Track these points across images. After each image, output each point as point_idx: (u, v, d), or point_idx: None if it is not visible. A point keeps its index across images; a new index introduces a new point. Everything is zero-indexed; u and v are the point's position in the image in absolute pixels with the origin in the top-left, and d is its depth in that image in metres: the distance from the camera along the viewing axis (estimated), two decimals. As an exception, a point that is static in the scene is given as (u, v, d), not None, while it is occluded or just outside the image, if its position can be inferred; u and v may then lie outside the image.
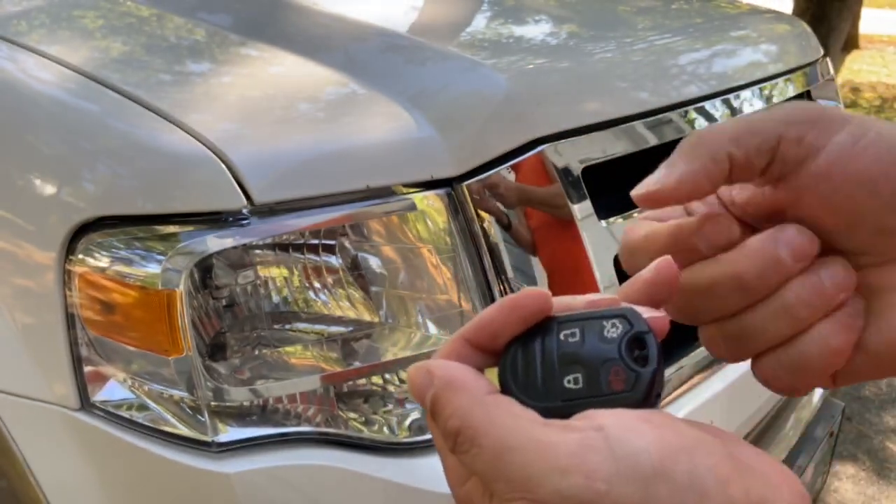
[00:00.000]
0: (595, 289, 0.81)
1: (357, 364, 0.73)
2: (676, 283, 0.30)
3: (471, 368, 0.28)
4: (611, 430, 0.24)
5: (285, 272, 0.71)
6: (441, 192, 0.74)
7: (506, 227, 0.78)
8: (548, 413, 0.26)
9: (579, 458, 0.24)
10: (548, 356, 0.27)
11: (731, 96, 1.06)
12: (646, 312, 0.28)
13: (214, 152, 0.68)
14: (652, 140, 0.93)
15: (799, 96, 1.26)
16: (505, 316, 0.29)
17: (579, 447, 0.24)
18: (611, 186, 0.89)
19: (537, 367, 0.27)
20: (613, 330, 0.26)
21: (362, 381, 0.74)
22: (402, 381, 0.76)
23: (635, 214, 0.88)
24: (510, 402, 0.26)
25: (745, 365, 0.33)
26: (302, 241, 0.71)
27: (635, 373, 0.25)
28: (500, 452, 0.25)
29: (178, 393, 0.69)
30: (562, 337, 0.27)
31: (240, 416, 0.70)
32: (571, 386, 0.26)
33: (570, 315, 0.28)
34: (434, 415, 0.27)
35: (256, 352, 0.71)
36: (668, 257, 0.30)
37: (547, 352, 0.27)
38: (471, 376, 0.27)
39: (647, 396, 0.25)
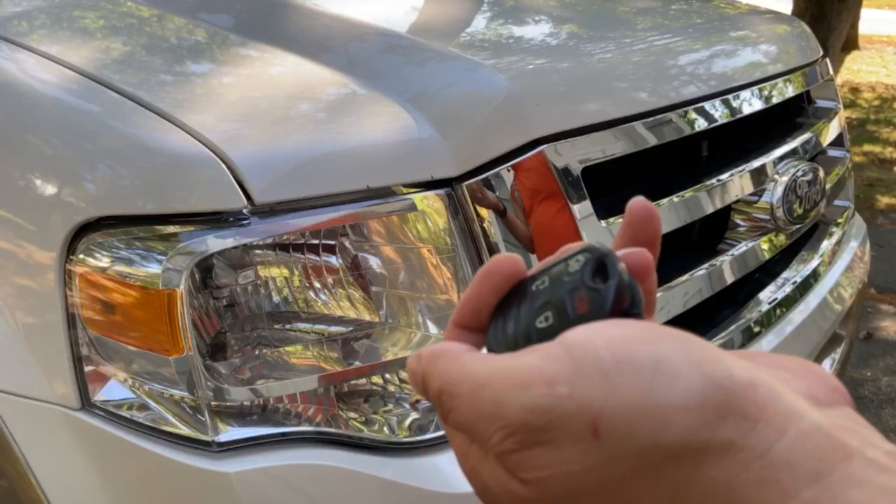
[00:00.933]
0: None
1: (357, 364, 0.73)
2: (652, 220, 0.30)
3: (458, 343, 0.29)
4: (571, 337, 0.24)
5: (286, 272, 0.71)
6: (441, 192, 0.74)
7: (506, 227, 0.78)
8: None
9: (538, 370, 0.24)
10: (523, 309, 0.28)
11: (730, 96, 1.06)
12: (621, 252, 0.28)
13: (215, 152, 0.68)
14: (651, 140, 0.93)
15: (798, 96, 1.26)
16: (479, 287, 0.29)
17: (539, 360, 0.24)
18: (611, 186, 0.89)
19: (514, 322, 0.28)
20: (576, 264, 0.27)
21: (362, 380, 0.74)
22: (402, 380, 0.76)
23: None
24: (481, 355, 0.27)
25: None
26: (302, 242, 0.71)
27: (596, 290, 0.26)
28: (473, 393, 0.25)
29: (178, 393, 0.69)
30: (533, 288, 0.28)
31: (240, 415, 0.70)
32: (543, 325, 0.26)
33: (540, 268, 0.29)
34: (426, 391, 0.28)
35: (257, 351, 0.71)
36: (641, 197, 0.30)
37: (522, 306, 0.28)
38: (452, 344, 0.28)
39: (614, 310, 0.25)
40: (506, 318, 0.28)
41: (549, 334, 0.26)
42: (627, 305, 0.26)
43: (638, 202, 0.30)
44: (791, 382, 0.25)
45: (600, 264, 0.26)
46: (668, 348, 0.23)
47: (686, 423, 0.22)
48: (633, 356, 0.23)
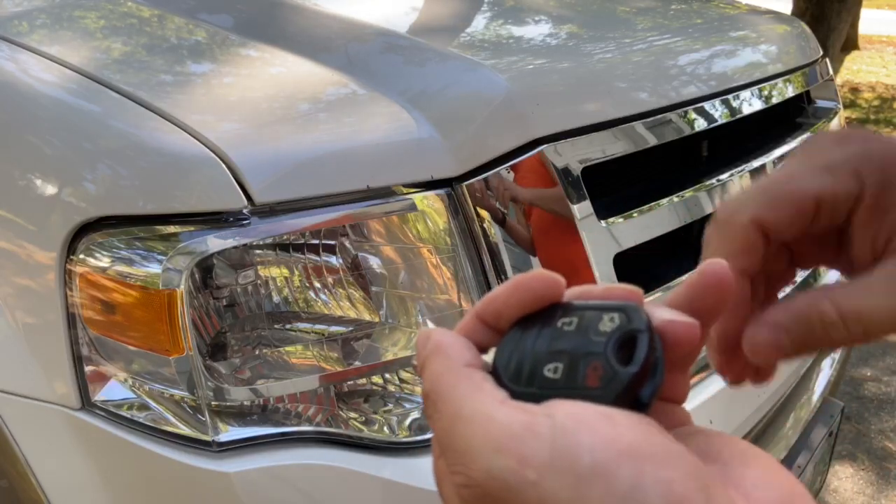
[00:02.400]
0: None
1: (357, 364, 0.73)
2: (728, 291, 0.27)
3: (466, 341, 0.27)
4: (560, 419, 0.22)
5: (286, 272, 0.71)
6: (441, 192, 0.74)
7: (506, 227, 0.78)
8: (519, 397, 0.24)
9: (518, 440, 0.22)
10: (540, 342, 0.26)
11: (730, 96, 1.06)
12: (668, 314, 0.25)
13: (215, 152, 0.68)
14: (651, 140, 0.93)
15: (798, 96, 1.26)
16: (508, 295, 0.27)
17: (522, 429, 0.22)
18: (611, 186, 0.89)
19: (528, 351, 0.26)
20: (610, 323, 0.25)
21: (362, 380, 0.74)
22: (402, 380, 0.76)
23: (635, 214, 0.89)
24: (484, 377, 0.25)
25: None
26: (302, 241, 0.71)
27: (613, 371, 0.24)
28: (453, 420, 0.24)
29: (178, 392, 0.69)
30: (559, 324, 0.26)
31: (240, 415, 0.70)
32: (550, 375, 0.25)
33: (577, 303, 0.27)
34: (421, 377, 0.27)
35: (257, 351, 0.71)
36: (721, 261, 0.27)
37: (541, 337, 0.26)
38: (459, 346, 0.27)
39: (620, 399, 0.23)
40: (521, 342, 0.26)
41: (550, 387, 0.24)
42: (639, 393, 0.24)
43: (714, 266, 0.27)
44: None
45: (631, 338, 0.24)
46: (651, 475, 0.21)
47: None
48: (611, 472, 0.21)
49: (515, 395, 0.25)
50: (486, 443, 0.23)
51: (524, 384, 0.25)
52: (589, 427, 0.22)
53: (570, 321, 0.26)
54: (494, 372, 0.26)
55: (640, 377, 0.24)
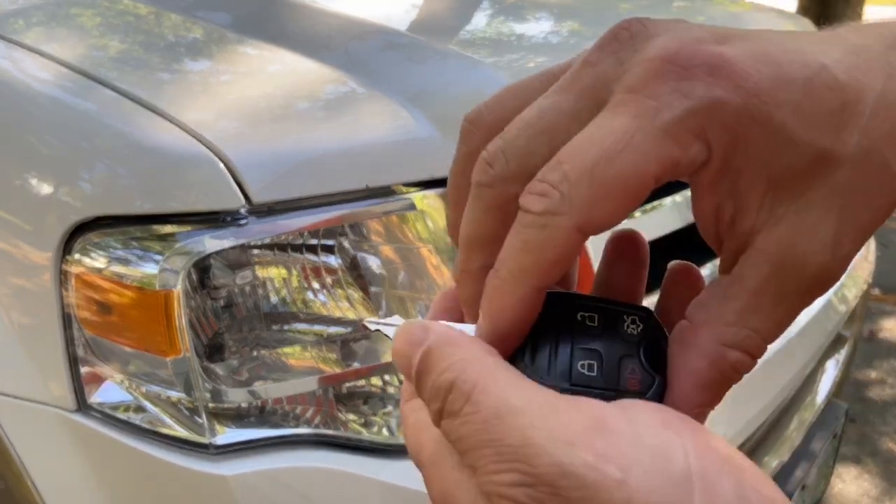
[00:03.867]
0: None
1: (356, 365, 0.72)
2: (642, 249, 0.28)
3: (477, 338, 0.24)
4: (639, 413, 0.21)
5: (284, 272, 0.71)
6: (441, 191, 0.73)
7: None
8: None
9: (593, 434, 0.20)
10: (563, 334, 0.24)
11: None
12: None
13: (213, 151, 0.67)
14: (654, 139, 0.92)
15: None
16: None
17: (596, 422, 0.20)
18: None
19: (550, 343, 0.24)
20: (633, 327, 0.24)
21: (361, 382, 0.74)
22: (401, 382, 0.75)
23: (637, 214, 0.88)
24: (514, 369, 0.23)
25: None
26: (301, 241, 0.70)
27: (651, 377, 0.23)
28: (500, 412, 0.21)
29: (175, 394, 0.69)
30: (579, 317, 0.25)
31: (238, 417, 0.70)
32: (585, 372, 0.24)
33: (587, 296, 0.26)
34: (422, 372, 0.23)
35: (255, 353, 0.70)
36: (681, 262, 0.27)
37: (563, 330, 0.24)
38: (469, 338, 0.24)
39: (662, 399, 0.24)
40: (539, 333, 0.25)
41: (587, 384, 0.23)
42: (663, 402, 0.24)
43: (678, 265, 0.27)
44: None
45: (655, 345, 0.24)
46: (753, 491, 0.19)
47: None
48: (713, 481, 0.19)
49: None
50: (553, 435, 0.20)
51: (557, 378, 0.24)
52: (672, 426, 0.20)
53: (590, 316, 0.25)
54: (513, 361, 0.24)
55: (666, 386, 0.24)
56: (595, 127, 0.22)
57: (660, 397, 0.23)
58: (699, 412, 0.23)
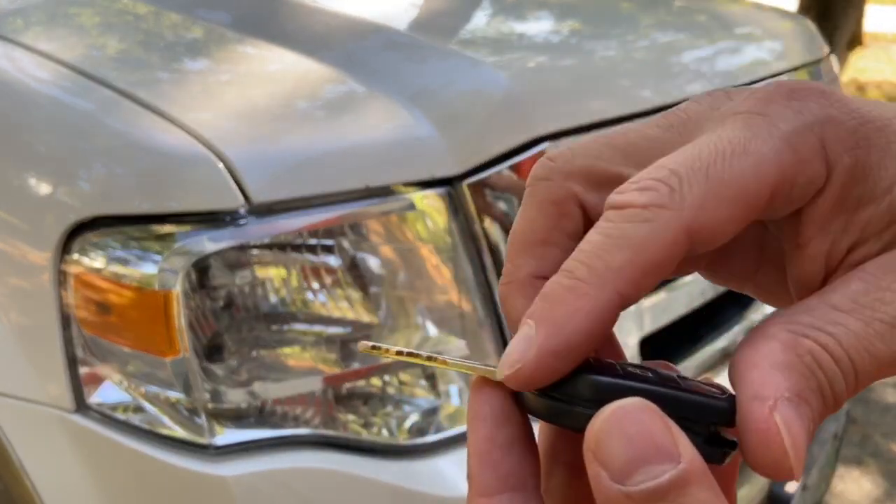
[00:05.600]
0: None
1: (356, 365, 0.72)
2: None
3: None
4: None
5: (283, 272, 0.70)
6: (441, 191, 0.73)
7: (506, 226, 0.77)
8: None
9: None
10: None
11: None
12: None
13: (212, 151, 0.67)
14: (655, 139, 0.92)
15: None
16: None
17: None
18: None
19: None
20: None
21: (361, 382, 0.74)
22: (401, 382, 0.75)
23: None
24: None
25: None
26: (300, 241, 0.70)
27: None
28: None
29: (174, 395, 0.68)
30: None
31: (237, 418, 0.70)
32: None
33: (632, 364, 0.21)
34: (655, 499, 0.16)
35: (254, 353, 0.70)
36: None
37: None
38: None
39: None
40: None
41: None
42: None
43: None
44: None
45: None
46: None
47: None
48: None
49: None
50: None
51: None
52: None
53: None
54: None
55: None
56: (700, 141, 0.19)
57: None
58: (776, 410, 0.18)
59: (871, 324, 0.18)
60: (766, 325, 0.19)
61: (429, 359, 0.21)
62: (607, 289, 0.18)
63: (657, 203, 0.18)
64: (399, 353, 0.21)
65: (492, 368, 0.20)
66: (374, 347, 0.21)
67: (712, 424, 0.19)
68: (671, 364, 0.21)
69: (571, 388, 0.19)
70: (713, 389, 0.19)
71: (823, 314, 0.18)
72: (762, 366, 0.18)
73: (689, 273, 0.24)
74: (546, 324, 0.18)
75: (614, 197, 0.19)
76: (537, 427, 0.21)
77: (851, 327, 0.18)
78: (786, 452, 0.17)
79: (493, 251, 0.75)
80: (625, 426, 0.17)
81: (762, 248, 0.24)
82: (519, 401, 0.20)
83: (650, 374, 0.19)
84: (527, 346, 0.18)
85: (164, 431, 0.69)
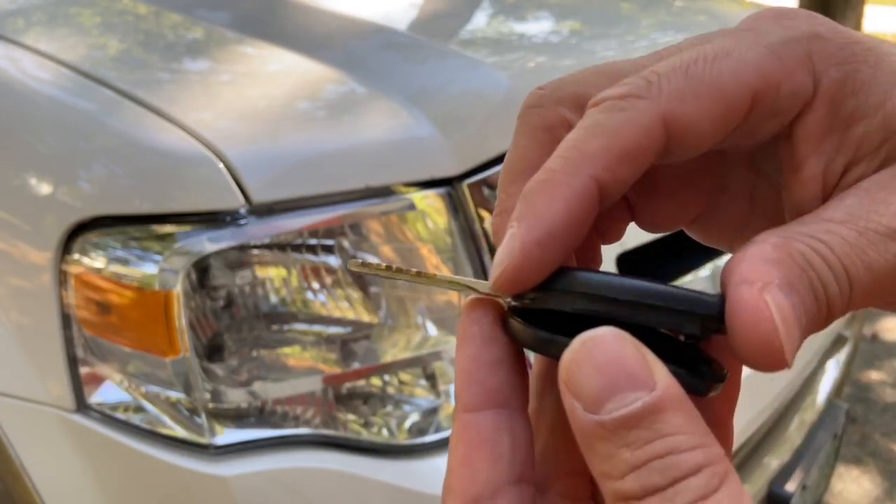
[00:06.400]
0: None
1: (356, 365, 0.72)
2: None
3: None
4: None
5: (283, 272, 0.70)
6: (441, 191, 0.73)
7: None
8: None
9: None
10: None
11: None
12: None
13: (212, 151, 0.67)
14: (655, 139, 0.91)
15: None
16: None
17: None
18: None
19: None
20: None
21: (361, 382, 0.74)
22: (401, 382, 0.75)
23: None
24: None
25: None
26: (300, 241, 0.70)
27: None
28: None
29: (174, 394, 0.68)
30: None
31: (237, 417, 0.70)
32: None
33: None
34: (631, 426, 0.16)
35: (254, 353, 0.70)
36: None
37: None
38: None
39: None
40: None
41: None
42: None
43: None
44: None
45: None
46: None
47: None
48: None
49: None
50: None
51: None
52: None
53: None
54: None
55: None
56: (685, 51, 0.20)
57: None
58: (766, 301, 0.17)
59: (864, 233, 0.18)
60: (757, 236, 0.18)
61: (417, 274, 0.21)
62: (583, 174, 0.18)
63: (634, 94, 0.18)
64: (388, 268, 0.21)
65: (482, 282, 0.20)
66: (363, 264, 0.22)
67: (703, 320, 0.18)
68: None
69: (556, 285, 0.19)
70: (704, 291, 0.19)
71: (816, 225, 0.18)
72: (752, 260, 0.17)
73: (675, 228, 0.24)
74: (526, 217, 0.18)
75: (594, 98, 0.19)
76: None
77: (844, 235, 0.18)
78: (775, 330, 0.16)
79: (493, 251, 0.75)
80: (595, 356, 0.16)
81: (752, 198, 0.24)
82: (507, 331, 0.20)
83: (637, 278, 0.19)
84: (511, 245, 0.18)
85: (165, 431, 0.69)
